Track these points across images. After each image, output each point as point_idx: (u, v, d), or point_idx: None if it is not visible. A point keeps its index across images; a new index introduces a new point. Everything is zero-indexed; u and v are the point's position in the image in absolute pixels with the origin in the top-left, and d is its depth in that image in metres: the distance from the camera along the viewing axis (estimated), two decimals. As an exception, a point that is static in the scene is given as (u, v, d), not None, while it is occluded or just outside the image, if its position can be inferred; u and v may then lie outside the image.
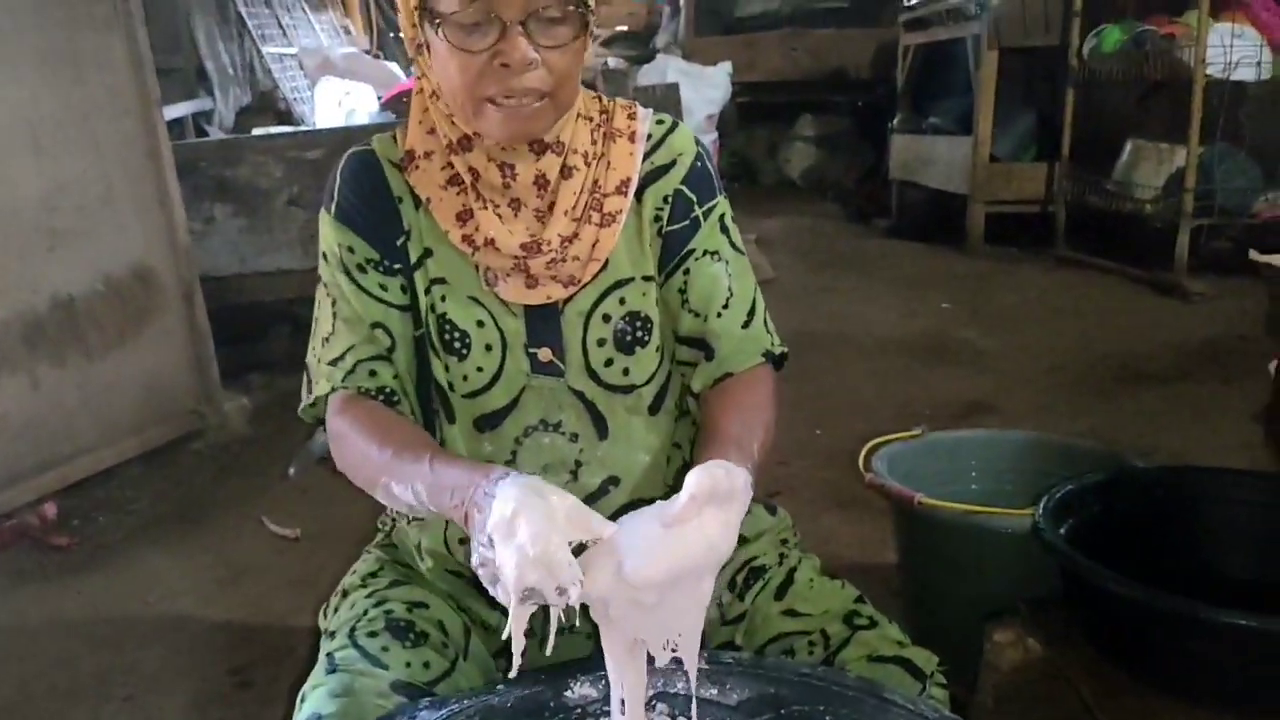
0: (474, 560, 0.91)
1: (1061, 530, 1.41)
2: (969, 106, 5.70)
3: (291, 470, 3.21)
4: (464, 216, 1.14)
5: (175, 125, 4.99)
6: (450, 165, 1.15)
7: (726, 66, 6.35)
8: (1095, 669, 1.36)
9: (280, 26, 6.40)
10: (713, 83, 6.19)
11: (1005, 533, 1.72)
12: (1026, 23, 5.36)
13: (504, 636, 0.88)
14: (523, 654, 0.89)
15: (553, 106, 1.08)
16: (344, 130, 4.68)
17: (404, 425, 1.14)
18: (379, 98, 5.86)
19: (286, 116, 6.09)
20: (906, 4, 6.65)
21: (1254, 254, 2.67)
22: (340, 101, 5.82)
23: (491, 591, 0.90)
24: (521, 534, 0.86)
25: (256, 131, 5.11)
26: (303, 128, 5.64)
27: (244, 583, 2.58)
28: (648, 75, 6.05)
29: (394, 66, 6.83)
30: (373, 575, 1.25)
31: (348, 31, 7.36)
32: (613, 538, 0.90)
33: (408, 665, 1.10)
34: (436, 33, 1.04)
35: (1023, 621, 1.51)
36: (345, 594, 1.24)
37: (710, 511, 0.90)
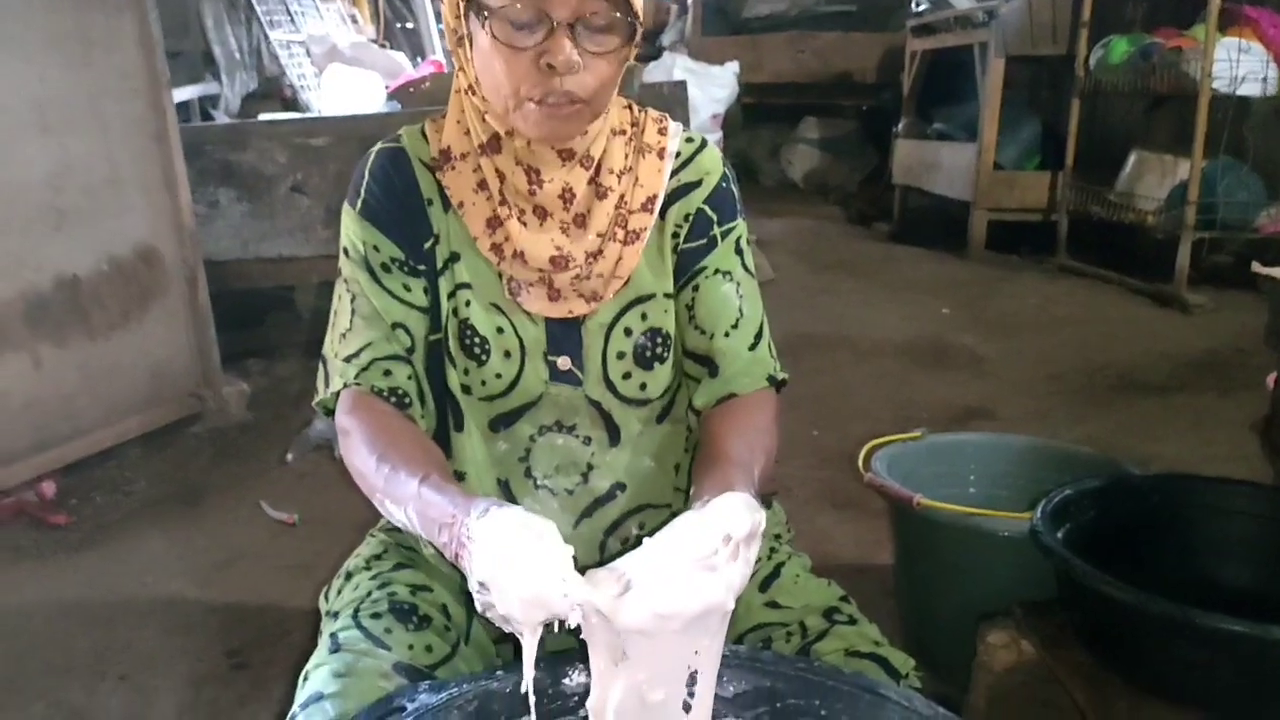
0: (478, 606, 0.90)
1: (1059, 534, 1.42)
2: (974, 114, 5.70)
3: (290, 456, 3.22)
4: (493, 224, 1.14)
5: (181, 109, 4.99)
6: (480, 168, 1.14)
7: (733, 66, 6.33)
8: (1088, 672, 1.37)
9: (288, 13, 6.39)
10: (719, 82, 6.18)
11: (1002, 535, 1.74)
12: (1034, 32, 5.37)
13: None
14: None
15: (588, 112, 1.08)
16: (349, 119, 4.67)
17: (407, 435, 1.13)
18: (386, 87, 5.85)
19: (292, 103, 6.08)
20: (914, 9, 6.66)
21: (1256, 266, 2.68)
22: (346, 90, 5.81)
23: (504, 627, 0.89)
24: (510, 579, 0.85)
25: (263, 117, 5.10)
26: (308, 115, 5.63)
27: (240, 566, 2.59)
28: (654, 72, 6.05)
29: (400, 57, 6.83)
30: (377, 558, 1.26)
31: (355, 20, 7.35)
32: (642, 570, 0.88)
33: (410, 648, 1.11)
34: (483, 26, 1.03)
35: (1017, 623, 1.52)
36: (349, 575, 1.24)
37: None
